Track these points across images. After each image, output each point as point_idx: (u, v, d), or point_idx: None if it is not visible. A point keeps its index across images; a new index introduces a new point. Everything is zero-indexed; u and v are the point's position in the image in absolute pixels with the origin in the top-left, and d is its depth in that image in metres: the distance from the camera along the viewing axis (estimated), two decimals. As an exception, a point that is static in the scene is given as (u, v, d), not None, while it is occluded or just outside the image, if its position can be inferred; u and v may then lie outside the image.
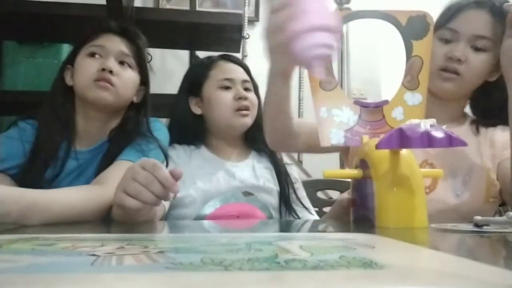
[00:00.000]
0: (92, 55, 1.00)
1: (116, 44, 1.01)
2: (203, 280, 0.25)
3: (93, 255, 0.32)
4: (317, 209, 1.44)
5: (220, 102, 1.11)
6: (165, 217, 0.98)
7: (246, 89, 1.13)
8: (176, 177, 0.64)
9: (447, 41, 0.91)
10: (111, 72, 0.98)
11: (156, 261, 0.30)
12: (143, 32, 1.62)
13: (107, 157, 0.97)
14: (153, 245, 0.38)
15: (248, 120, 1.12)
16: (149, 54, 1.82)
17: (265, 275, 0.26)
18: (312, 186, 1.47)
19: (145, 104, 1.07)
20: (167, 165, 1.01)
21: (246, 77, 1.15)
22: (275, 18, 0.61)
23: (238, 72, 1.15)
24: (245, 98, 1.11)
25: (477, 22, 0.89)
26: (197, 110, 1.15)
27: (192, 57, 2.54)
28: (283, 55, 0.64)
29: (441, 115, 0.88)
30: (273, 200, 1.11)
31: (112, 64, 0.99)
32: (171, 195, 0.68)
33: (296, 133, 0.86)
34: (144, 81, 1.07)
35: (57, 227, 0.70)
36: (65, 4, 1.53)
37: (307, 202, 1.20)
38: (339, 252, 0.33)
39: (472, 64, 0.89)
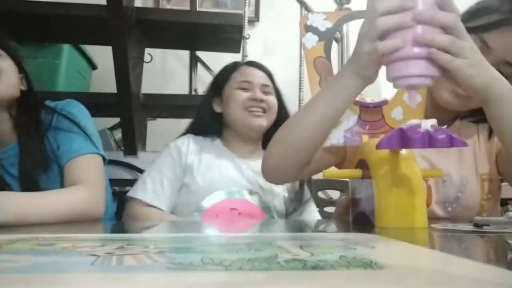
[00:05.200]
0: None
1: None
2: (203, 280, 0.25)
3: (93, 255, 0.32)
4: (318, 209, 1.44)
5: (235, 100, 1.15)
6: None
7: (265, 93, 1.17)
8: None
9: None
10: None
11: (156, 261, 0.30)
12: (144, 32, 1.62)
13: (27, 156, 0.94)
14: (153, 245, 0.38)
15: (262, 121, 1.15)
16: (149, 54, 1.83)
17: (265, 275, 0.26)
18: (312, 186, 1.47)
19: (32, 91, 1.02)
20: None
21: (267, 82, 1.19)
22: (383, 23, 0.57)
23: (258, 76, 1.18)
24: (261, 100, 1.14)
25: None
26: (217, 109, 1.20)
27: (192, 57, 2.55)
28: (370, 63, 0.61)
29: (437, 117, 0.83)
30: (277, 203, 1.13)
31: None
32: None
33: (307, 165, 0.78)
34: (21, 67, 1.01)
35: (57, 227, 0.70)
36: (65, 4, 1.53)
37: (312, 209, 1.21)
38: (339, 252, 0.33)
39: None
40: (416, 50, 0.55)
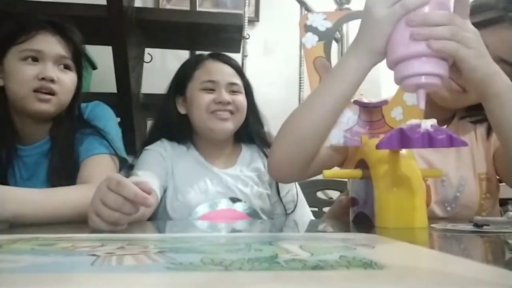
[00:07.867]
0: (27, 59, 0.93)
1: (53, 47, 0.95)
2: (203, 280, 0.25)
3: (93, 255, 0.32)
4: (316, 209, 1.44)
5: (198, 103, 1.06)
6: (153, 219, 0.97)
7: (233, 92, 1.08)
8: (146, 191, 0.61)
9: None
10: (52, 80, 0.92)
11: (156, 261, 0.30)
12: (144, 32, 1.62)
13: (56, 155, 0.95)
14: (153, 245, 0.38)
15: (228, 125, 1.07)
16: (149, 54, 1.83)
17: (265, 275, 0.26)
18: (312, 186, 1.47)
19: (78, 95, 1.01)
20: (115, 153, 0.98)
21: (233, 79, 1.09)
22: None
23: (224, 74, 1.09)
24: (227, 103, 1.05)
25: (509, 44, 0.78)
26: (182, 110, 1.12)
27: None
28: (384, 32, 0.60)
29: (435, 115, 0.83)
30: (263, 204, 1.08)
31: (52, 71, 0.93)
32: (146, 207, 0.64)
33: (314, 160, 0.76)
34: (80, 75, 1.01)
35: (57, 227, 0.70)
36: (65, 4, 1.53)
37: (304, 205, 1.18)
38: (339, 252, 0.33)
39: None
40: (423, 47, 0.56)
